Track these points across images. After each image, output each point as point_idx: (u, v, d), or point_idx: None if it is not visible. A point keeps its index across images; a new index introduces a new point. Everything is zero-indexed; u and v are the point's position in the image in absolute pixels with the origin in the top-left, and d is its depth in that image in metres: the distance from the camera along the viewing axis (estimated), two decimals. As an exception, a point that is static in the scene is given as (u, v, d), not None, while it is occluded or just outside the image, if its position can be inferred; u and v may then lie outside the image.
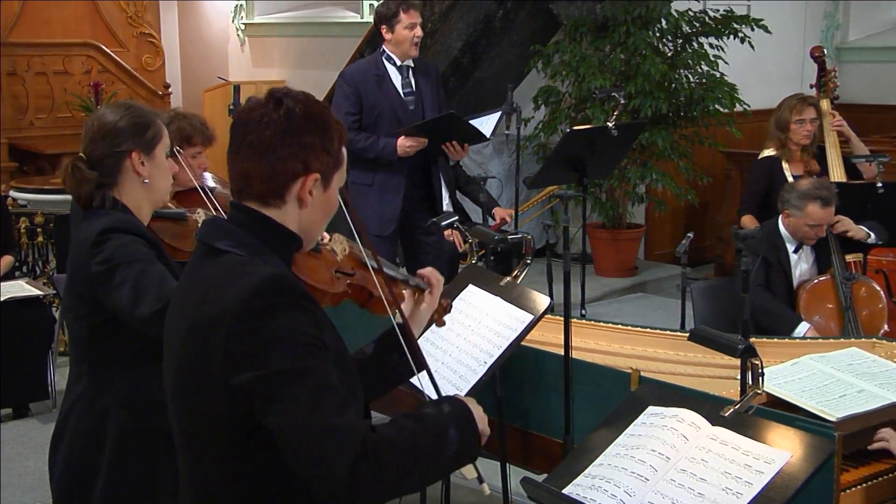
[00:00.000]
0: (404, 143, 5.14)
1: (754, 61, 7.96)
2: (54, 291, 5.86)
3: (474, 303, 3.04)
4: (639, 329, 3.77)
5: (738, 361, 2.63)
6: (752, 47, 7.67)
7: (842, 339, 3.73)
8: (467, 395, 2.54)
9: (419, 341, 2.31)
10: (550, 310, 3.05)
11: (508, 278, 3.10)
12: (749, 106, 7.73)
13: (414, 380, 2.22)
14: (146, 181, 2.72)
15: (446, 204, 6.28)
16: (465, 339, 2.96)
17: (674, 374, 3.41)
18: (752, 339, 2.86)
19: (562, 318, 3.23)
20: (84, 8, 11.12)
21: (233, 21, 11.84)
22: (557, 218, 7.89)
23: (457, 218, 3.86)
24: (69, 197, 2.92)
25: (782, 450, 2.16)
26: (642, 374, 3.16)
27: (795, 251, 4.63)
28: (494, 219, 6.28)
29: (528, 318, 2.94)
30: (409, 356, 2.12)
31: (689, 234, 4.65)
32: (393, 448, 1.80)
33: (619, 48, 7.58)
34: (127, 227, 2.66)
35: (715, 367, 3.40)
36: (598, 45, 7.70)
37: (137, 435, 2.70)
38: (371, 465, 1.75)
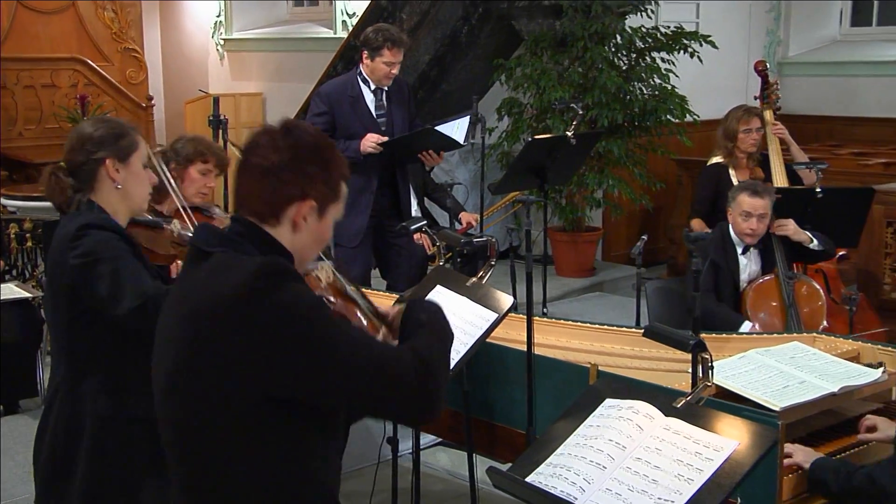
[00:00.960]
0: (367, 142, 5.09)
1: (703, 74, 8.01)
2: (43, 294, 5.82)
3: (442, 302, 3.04)
4: (597, 326, 3.78)
5: (689, 356, 2.64)
6: (701, 61, 7.72)
7: (785, 334, 3.76)
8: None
9: None
10: (514, 308, 3.06)
11: (474, 279, 3.10)
12: (698, 116, 7.77)
13: None
14: (119, 186, 2.73)
15: (415, 209, 6.27)
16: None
17: (629, 368, 3.42)
18: (703, 335, 2.88)
19: (524, 317, 3.25)
20: (71, 24, 11.09)
21: (212, 36, 11.79)
22: (520, 222, 7.89)
23: (425, 222, 3.85)
24: (56, 204, 2.93)
25: (730, 438, 2.18)
26: (600, 368, 3.17)
27: (743, 253, 4.67)
28: (461, 223, 6.27)
29: (493, 316, 2.95)
30: None
31: (643, 237, 4.68)
32: (428, 350, 1.96)
33: (577, 62, 7.59)
34: (103, 224, 2.68)
35: (668, 361, 3.41)
36: (557, 60, 7.71)
37: (116, 422, 2.70)
38: (426, 369, 1.91)
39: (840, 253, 5.44)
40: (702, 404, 2.35)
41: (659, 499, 2.11)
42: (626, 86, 7.58)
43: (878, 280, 6.20)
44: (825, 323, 4.55)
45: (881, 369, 3.21)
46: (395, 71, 5.24)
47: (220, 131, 5.21)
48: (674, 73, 7.71)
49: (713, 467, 2.13)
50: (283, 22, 11.59)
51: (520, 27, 8.03)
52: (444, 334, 2.08)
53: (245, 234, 1.94)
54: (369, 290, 4.08)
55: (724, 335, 3.72)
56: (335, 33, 10.39)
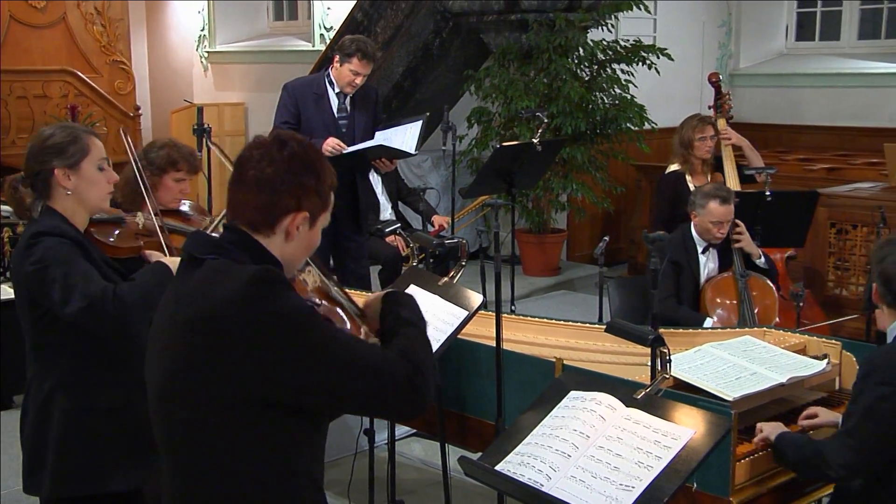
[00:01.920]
0: (327, 145, 5.06)
1: (660, 85, 8.05)
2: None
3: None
4: (562, 323, 3.78)
5: (648, 350, 2.65)
6: (658, 73, 7.76)
7: (737, 329, 3.79)
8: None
9: None
10: (483, 306, 3.06)
11: (446, 279, 3.10)
12: (656, 124, 7.80)
13: None
14: (69, 192, 2.72)
15: (389, 213, 6.27)
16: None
17: (593, 362, 3.43)
18: (661, 330, 2.89)
19: (494, 314, 3.24)
20: (61, 38, 11.02)
21: (197, 49, 11.74)
22: (489, 224, 7.91)
23: (399, 225, 3.85)
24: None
25: (687, 427, 2.19)
26: (565, 362, 3.17)
27: (703, 252, 4.70)
28: (433, 225, 6.27)
29: (464, 313, 2.95)
30: None
31: (605, 238, 4.70)
32: (414, 349, 1.96)
33: (542, 73, 7.61)
34: (53, 231, 2.68)
35: (629, 355, 3.43)
36: (523, 71, 7.72)
37: (80, 412, 2.72)
38: (415, 369, 1.90)
39: (788, 252, 5.49)
40: (660, 395, 2.36)
41: (621, 485, 2.12)
42: (589, 96, 7.61)
43: (822, 277, 6.26)
44: (777, 319, 4.59)
45: (825, 361, 3.24)
46: (358, 81, 5.22)
47: (205, 139, 5.18)
48: (633, 84, 7.74)
49: (671, 455, 2.14)
50: (264, 35, 11.55)
51: (488, 40, 8.04)
52: (424, 329, 2.07)
53: (238, 242, 1.92)
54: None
55: (681, 330, 3.73)
56: (313, 46, 10.37)
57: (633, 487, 2.10)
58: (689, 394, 2.88)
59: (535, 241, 8.11)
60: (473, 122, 8.00)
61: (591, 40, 7.73)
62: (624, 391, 2.34)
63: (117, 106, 11.04)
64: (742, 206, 4.72)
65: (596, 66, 7.80)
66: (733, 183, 5.52)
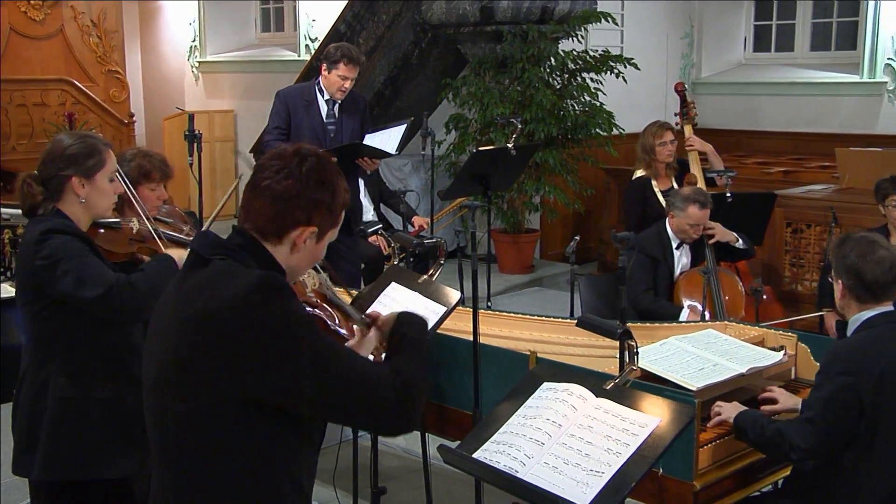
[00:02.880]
0: None
1: (627, 93, 8.07)
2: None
3: (397, 297, 3.03)
4: (535, 318, 3.78)
5: (617, 343, 2.66)
6: (626, 81, 7.78)
7: (700, 323, 3.80)
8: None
9: None
10: (461, 302, 3.05)
11: (426, 276, 3.09)
12: (623, 130, 7.83)
13: None
14: (83, 200, 2.74)
15: (372, 214, 6.24)
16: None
17: (565, 354, 3.42)
18: (629, 324, 2.89)
19: (471, 310, 3.24)
20: (59, 49, 10.98)
21: (188, 59, 11.69)
22: (466, 225, 7.92)
23: (381, 226, 3.85)
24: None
25: (653, 416, 2.19)
26: (539, 355, 3.17)
27: (678, 248, 4.73)
28: (413, 226, 6.26)
29: (443, 309, 2.94)
30: None
31: (576, 237, 4.70)
32: (408, 369, 1.92)
33: (516, 82, 7.61)
34: (63, 229, 2.69)
35: (598, 348, 3.42)
36: (498, 80, 7.72)
37: (75, 401, 2.72)
38: (405, 389, 1.87)
39: (748, 250, 5.52)
40: (628, 386, 2.36)
41: (591, 471, 2.11)
42: (560, 103, 7.62)
43: (779, 274, 6.30)
44: (743, 313, 4.62)
45: (783, 352, 3.26)
46: (347, 85, 5.23)
47: (196, 145, 5.16)
48: (602, 92, 7.76)
49: (638, 442, 2.14)
50: (252, 46, 11.51)
51: (465, 50, 8.04)
52: (424, 350, 2.03)
53: (245, 246, 1.88)
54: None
55: (647, 324, 3.74)
56: (299, 56, 10.34)
57: (602, 473, 2.10)
58: (656, 384, 2.88)
59: (510, 240, 8.11)
60: (451, 128, 8.00)
61: (562, 51, 7.74)
62: (594, 382, 2.34)
63: (112, 113, 11.01)
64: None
65: (567, 75, 7.81)
66: (700, 184, 5.53)
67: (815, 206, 6.17)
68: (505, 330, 3.71)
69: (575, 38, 7.89)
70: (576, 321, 2.90)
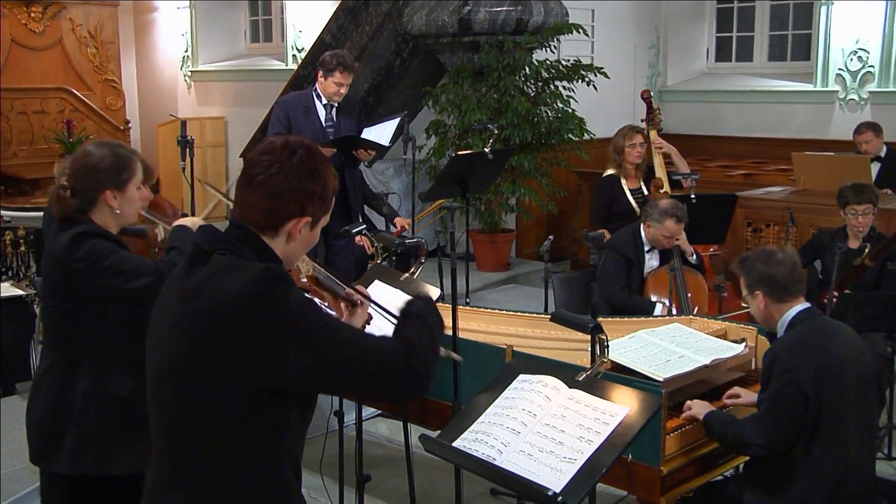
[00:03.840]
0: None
1: (597, 100, 8.08)
2: (35, 291, 5.70)
3: (379, 295, 3.00)
4: (511, 313, 3.78)
5: (589, 337, 2.65)
6: (596, 89, 7.79)
7: (667, 317, 3.81)
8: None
9: None
10: (441, 299, 3.04)
11: (407, 274, 3.08)
12: (594, 135, 7.84)
13: None
14: (118, 211, 2.69)
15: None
16: (373, 325, 2.92)
17: (539, 348, 3.43)
18: (600, 319, 2.89)
19: (450, 306, 3.23)
20: (58, 59, 10.95)
21: (181, 68, 11.63)
22: (446, 225, 7.88)
23: (365, 226, 3.83)
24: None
25: (623, 405, 2.19)
26: (515, 349, 3.17)
27: (649, 251, 4.76)
28: (395, 227, 6.22)
29: (423, 306, 2.92)
30: None
31: (550, 237, 4.71)
32: (414, 335, 1.89)
33: (492, 90, 7.61)
34: (95, 232, 2.64)
35: (571, 341, 3.43)
36: (476, 87, 7.71)
37: (99, 398, 2.66)
38: (409, 349, 1.84)
39: (711, 249, 5.54)
40: (599, 377, 2.35)
41: (564, 458, 2.11)
42: (534, 109, 7.62)
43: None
44: (707, 308, 4.63)
45: (744, 344, 3.27)
46: (343, 90, 5.28)
47: (188, 150, 5.13)
48: (573, 99, 7.77)
49: (609, 430, 2.14)
50: (242, 56, 11.46)
51: (444, 60, 8.02)
52: (433, 320, 2.00)
53: (244, 240, 1.86)
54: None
55: (617, 318, 3.75)
56: (286, 65, 10.31)
57: (575, 459, 2.10)
58: (625, 375, 2.88)
59: (487, 240, 8.11)
60: (431, 134, 7.98)
61: (536, 60, 7.75)
62: (567, 374, 2.34)
63: (109, 120, 10.99)
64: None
65: (540, 83, 7.81)
66: (665, 187, 5.55)
67: (774, 206, 6.20)
68: (482, 325, 3.71)
69: (548, 49, 7.89)
70: (550, 316, 2.90)
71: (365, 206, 6.43)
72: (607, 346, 2.43)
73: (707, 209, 5.03)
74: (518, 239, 8.54)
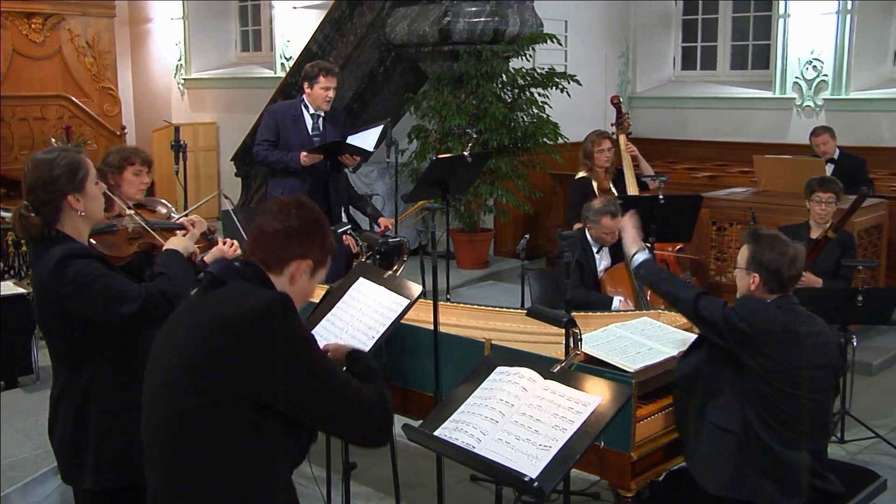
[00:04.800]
0: (304, 157, 5.08)
1: (570, 106, 8.09)
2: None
3: (364, 291, 2.99)
4: (490, 308, 3.77)
5: (563, 330, 2.65)
6: (569, 95, 7.80)
7: (637, 311, 3.81)
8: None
9: (322, 323, 2.48)
10: (423, 295, 3.02)
11: (390, 272, 3.06)
12: (568, 139, 7.85)
13: None
14: (82, 213, 2.55)
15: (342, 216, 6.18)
16: (358, 320, 2.91)
17: (516, 341, 3.41)
18: (574, 314, 2.89)
19: (431, 302, 3.22)
20: (57, 68, 10.86)
21: (174, 76, 11.56)
22: (427, 225, 7.86)
23: (350, 226, 3.81)
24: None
25: (595, 395, 2.19)
26: (493, 342, 3.16)
27: (598, 252, 4.75)
28: (379, 227, 6.20)
29: (406, 302, 2.91)
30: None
31: (526, 236, 4.71)
32: (382, 391, 2.00)
33: (471, 96, 7.59)
34: (78, 253, 2.51)
35: (546, 335, 3.41)
36: (455, 94, 7.70)
37: (115, 410, 2.57)
38: (385, 408, 1.96)
39: (678, 246, 5.56)
40: (573, 369, 2.35)
41: (540, 445, 2.11)
42: (511, 115, 7.62)
43: (705, 267, 6.36)
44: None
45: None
46: (331, 95, 5.21)
47: (181, 154, 5.09)
48: (548, 105, 7.77)
49: (582, 419, 2.14)
50: (233, 64, 11.41)
51: (425, 68, 8.01)
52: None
53: (254, 274, 1.96)
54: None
55: (590, 313, 3.74)
56: (275, 73, 10.26)
57: (550, 447, 2.10)
58: (597, 367, 2.88)
59: (467, 239, 8.10)
60: (413, 138, 7.96)
61: (513, 68, 7.74)
62: (542, 366, 2.34)
63: (106, 126, 10.94)
64: (640, 208, 4.75)
65: (517, 90, 7.81)
66: (633, 189, 5.58)
67: (737, 206, 6.23)
68: (462, 320, 3.70)
69: (524, 57, 7.90)
70: (526, 311, 2.89)
71: (350, 207, 6.40)
72: (580, 339, 2.43)
73: (674, 209, 5.04)
74: (496, 238, 8.54)
